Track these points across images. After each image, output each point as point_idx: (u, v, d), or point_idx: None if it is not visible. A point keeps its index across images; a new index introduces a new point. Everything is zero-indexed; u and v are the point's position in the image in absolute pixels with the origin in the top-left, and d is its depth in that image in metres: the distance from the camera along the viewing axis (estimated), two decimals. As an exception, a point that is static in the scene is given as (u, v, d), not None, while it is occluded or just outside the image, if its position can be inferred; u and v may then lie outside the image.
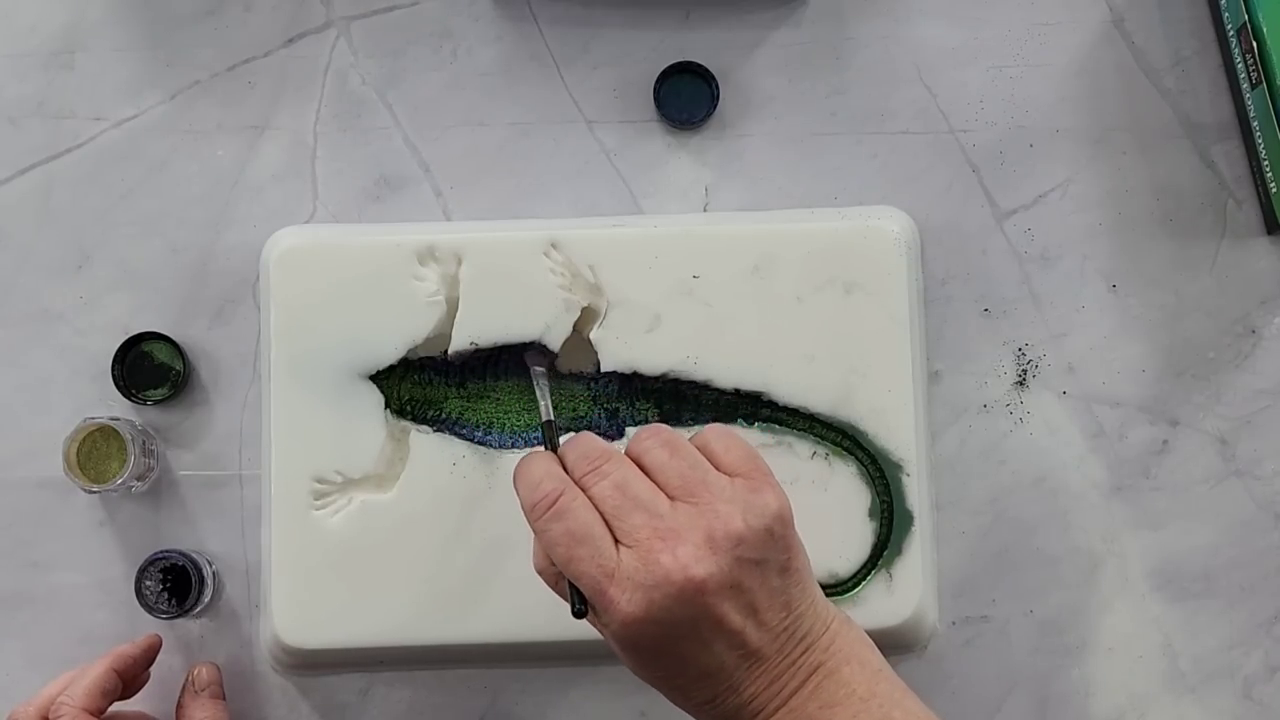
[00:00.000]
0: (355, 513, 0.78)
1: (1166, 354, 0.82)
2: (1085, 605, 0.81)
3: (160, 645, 0.79)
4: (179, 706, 0.78)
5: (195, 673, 0.79)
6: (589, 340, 0.79)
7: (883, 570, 0.78)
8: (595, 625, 0.65)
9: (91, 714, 0.73)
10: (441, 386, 0.79)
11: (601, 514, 0.63)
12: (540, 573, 0.66)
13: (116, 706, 0.76)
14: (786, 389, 0.78)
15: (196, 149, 0.83)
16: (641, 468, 0.64)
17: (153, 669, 0.78)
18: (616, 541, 0.62)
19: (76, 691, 0.73)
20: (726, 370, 0.79)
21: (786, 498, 0.65)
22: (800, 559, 0.65)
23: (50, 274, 0.83)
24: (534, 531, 0.64)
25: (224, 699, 0.79)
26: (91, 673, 0.74)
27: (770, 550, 0.63)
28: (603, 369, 0.79)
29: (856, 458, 0.78)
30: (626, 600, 0.62)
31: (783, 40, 0.84)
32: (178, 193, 0.83)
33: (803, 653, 0.64)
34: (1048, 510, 0.81)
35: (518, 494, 0.65)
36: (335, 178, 0.84)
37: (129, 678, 0.76)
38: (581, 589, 0.63)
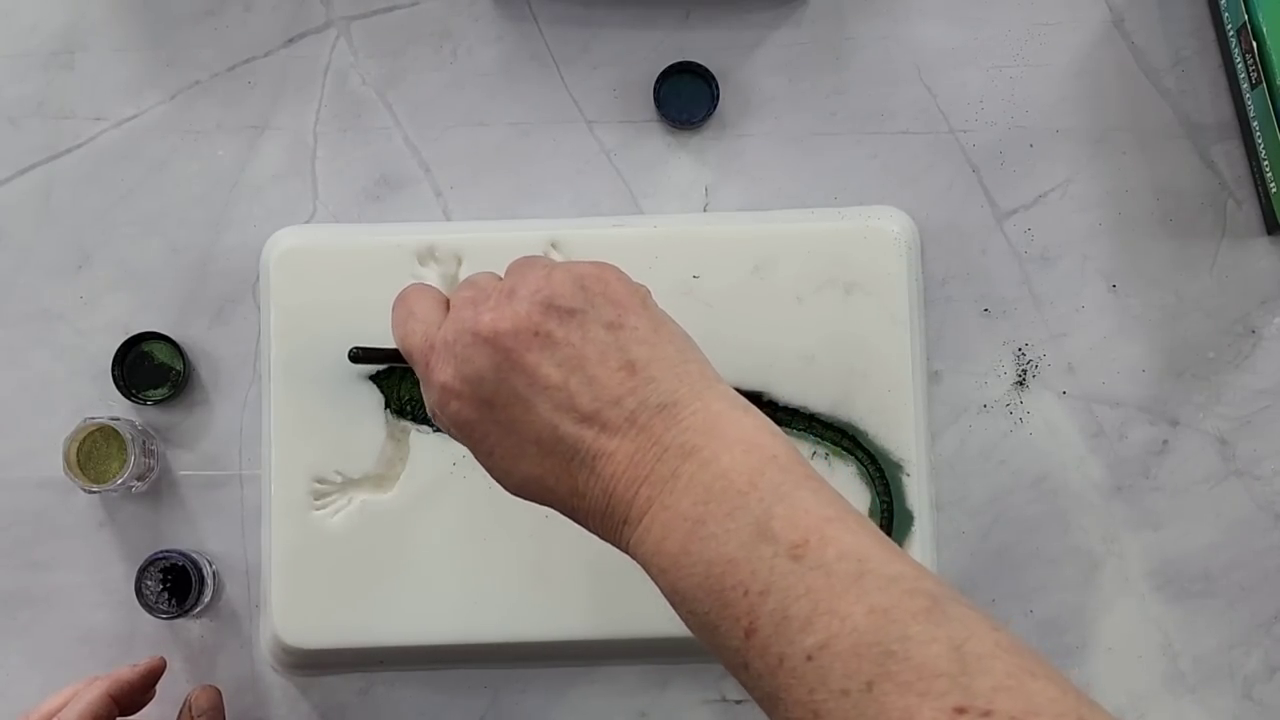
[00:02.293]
0: (355, 513, 0.78)
1: (1166, 354, 0.82)
2: (1085, 605, 0.81)
3: (163, 669, 0.77)
4: None
5: (194, 697, 0.78)
6: (589, 340, 0.79)
7: (883, 570, 0.77)
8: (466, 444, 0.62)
9: None
10: (441, 386, 0.79)
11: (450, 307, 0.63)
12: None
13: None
14: (786, 389, 0.78)
15: (196, 149, 0.84)
16: None
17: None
18: None
19: (69, 716, 0.72)
20: (726, 370, 0.77)
21: (620, 272, 0.60)
22: (640, 319, 0.59)
23: (50, 274, 0.83)
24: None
25: None
26: (86, 697, 0.73)
27: (586, 302, 0.58)
28: (603, 369, 0.79)
29: (856, 458, 0.78)
30: (439, 366, 0.60)
31: (783, 40, 0.84)
32: (178, 193, 0.83)
33: (666, 426, 0.56)
34: (1048, 510, 0.81)
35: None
36: (335, 178, 0.84)
37: (125, 702, 0.75)
38: (415, 369, 0.62)
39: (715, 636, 0.53)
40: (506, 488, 0.60)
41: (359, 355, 0.66)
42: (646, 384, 0.57)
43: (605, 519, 0.57)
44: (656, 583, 0.56)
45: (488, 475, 0.77)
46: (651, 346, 0.58)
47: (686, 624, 0.55)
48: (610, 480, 0.57)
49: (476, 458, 0.61)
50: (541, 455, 0.58)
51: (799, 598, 0.51)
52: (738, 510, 0.54)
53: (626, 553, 0.57)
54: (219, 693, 0.79)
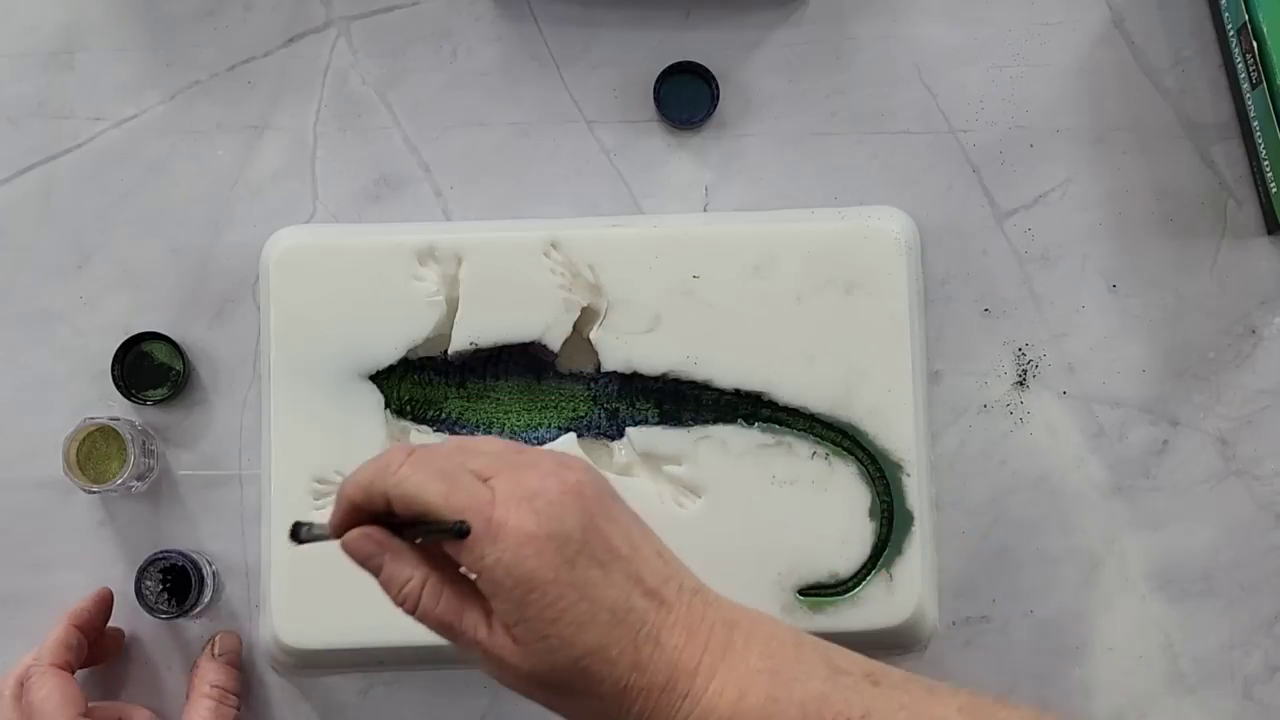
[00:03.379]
0: (355, 513, 0.78)
1: (1166, 354, 0.82)
2: (1085, 605, 0.81)
3: (111, 596, 0.79)
4: (195, 666, 0.79)
5: (218, 638, 0.80)
6: (589, 340, 0.79)
7: (883, 570, 0.78)
8: (482, 646, 0.59)
9: (61, 668, 0.75)
10: (441, 386, 0.79)
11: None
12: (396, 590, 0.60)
13: (115, 704, 0.78)
14: (786, 389, 0.78)
15: (196, 149, 0.83)
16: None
17: (153, 670, 0.79)
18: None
19: (43, 652, 0.75)
20: (726, 370, 0.79)
21: None
22: (647, 526, 0.62)
23: (50, 274, 0.83)
24: (391, 489, 0.59)
25: (240, 669, 0.80)
26: (53, 633, 0.76)
27: (615, 491, 0.61)
28: (603, 369, 0.79)
29: (856, 458, 0.78)
30: (516, 518, 0.57)
31: (783, 40, 0.84)
32: (178, 193, 0.83)
33: (705, 606, 0.60)
34: (1048, 510, 0.81)
35: (346, 488, 0.60)
36: (335, 178, 0.84)
37: (89, 629, 0.77)
38: (464, 526, 0.57)
39: None
40: (547, 665, 0.58)
41: (304, 536, 0.60)
42: (678, 572, 0.61)
43: (664, 694, 0.58)
44: None
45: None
46: (663, 544, 0.62)
47: None
48: (674, 651, 0.59)
49: (524, 626, 0.58)
50: (613, 624, 0.58)
51: (897, 710, 0.58)
52: (803, 656, 0.60)
53: None
54: (240, 639, 0.81)
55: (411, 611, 0.60)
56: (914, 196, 0.83)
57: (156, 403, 0.82)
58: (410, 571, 0.60)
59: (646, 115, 0.84)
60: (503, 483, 0.58)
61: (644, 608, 0.59)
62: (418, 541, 0.60)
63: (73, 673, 0.75)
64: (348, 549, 0.60)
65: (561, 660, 0.58)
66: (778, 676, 0.58)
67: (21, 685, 0.74)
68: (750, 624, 0.61)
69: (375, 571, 0.60)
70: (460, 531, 0.57)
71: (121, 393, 0.81)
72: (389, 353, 0.79)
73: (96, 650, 0.79)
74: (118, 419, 0.80)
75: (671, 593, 0.60)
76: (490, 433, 0.79)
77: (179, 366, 0.82)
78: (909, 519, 0.78)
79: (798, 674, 0.59)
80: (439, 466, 0.59)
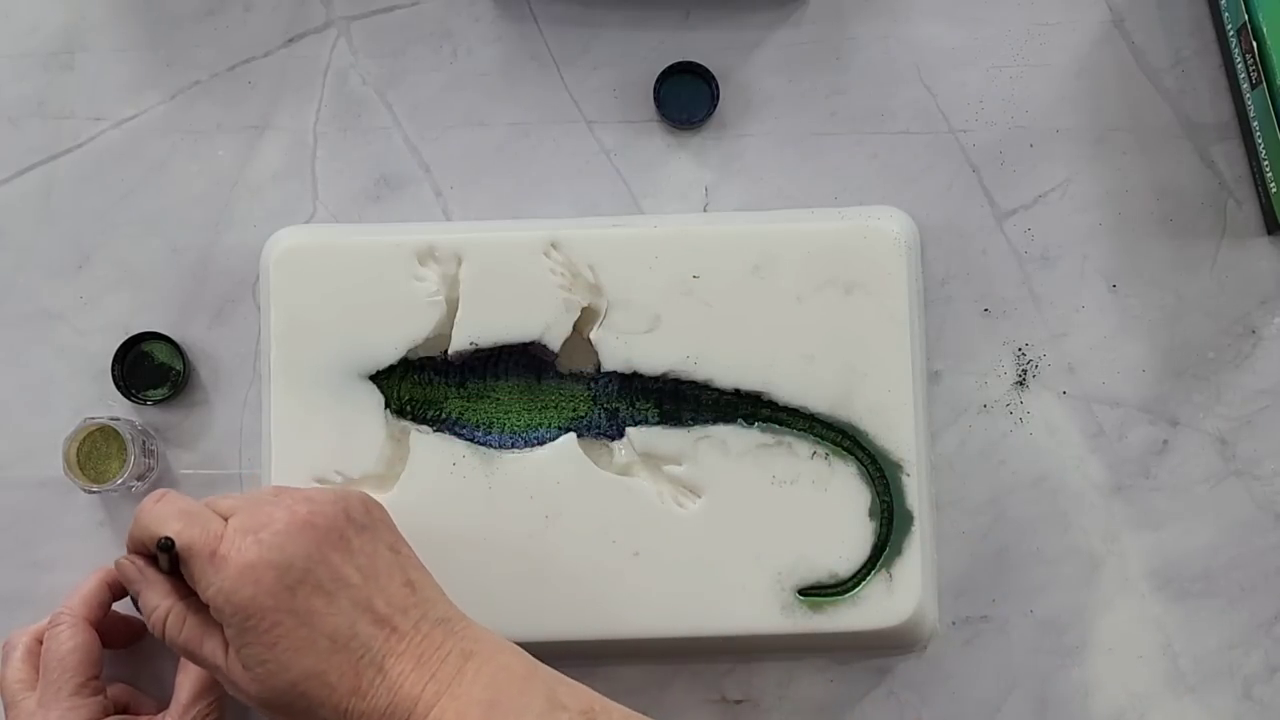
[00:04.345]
0: (355, 513, 0.78)
1: (1166, 354, 0.82)
2: (1085, 605, 0.81)
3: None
4: None
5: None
6: (589, 340, 0.79)
7: (883, 570, 0.78)
8: (221, 670, 0.64)
9: (90, 623, 0.74)
10: (441, 386, 0.79)
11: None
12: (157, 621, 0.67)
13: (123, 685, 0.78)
14: (786, 389, 0.78)
15: (196, 149, 0.84)
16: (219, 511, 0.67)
17: (149, 670, 0.79)
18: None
19: (74, 603, 0.74)
20: (726, 370, 0.79)
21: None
22: (407, 550, 0.68)
23: (50, 274, 0.83)
24: (141, 530, 0.67)
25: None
26: (84, 586, 0.75)
27: (371, 522, 0.66)
28: (603, 369, 0.79)
29: (856, 458, 0.78)
30: (237, 549, 0.63)
31: (783, 40, 0.84)
32: (178, 193, 0.83)
33: (445, 636, 0.64)
34: (1048, 510, 0.81)
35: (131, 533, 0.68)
36: (335, 178, 0.84)
37: (116, 591, 0.76)
38: (191, 563, 0.64)
39: None
40: (268, 688, 0.62)
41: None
42: (425, 601, 0.65)
43: (384, 719, 0.62)
44: None
45: (488, 475, 0.78)
46: (421, 573, 0.67)
47: None
48: (398, 678, 0.62)
49: (246, 651, 0.63)
50: (332, 650, 0.62)
51: None
52: (526, 689, 0.63)
53: None
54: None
55: (161, 636, 0.66)
56: (914, 196, 0.83)
57: (156, 403, 0.82)
58: (158, 601, 0.66)
59: (646, 115, 0.84)
60: (237, 518, 0.64)
61: (369, 635, 0.63)
62: (165, 571, 0.67)
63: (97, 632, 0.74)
64: (118, 571, 0.69)
65: (280, 683, 0.62)
66: (495, 708, 0.62)
67: (37, 640, 0.74)
68: (488, 654, 0.64)
69: (136, 597, 0.68)
70: (163, 547, 0.64)
71: (121, 393, 0.81)
72: (389, 353, 0.79)
73: (120, 631, 0.77)
74: (118, 419, 0.80)
75: (407, 623, 0.64)
76: (491, 433, 0.79)
77: (179, 366, 0.82)
78: (909, 519, 0.78)
79: (516, 706, 0.62)
80: (181, 506, 0.66)
